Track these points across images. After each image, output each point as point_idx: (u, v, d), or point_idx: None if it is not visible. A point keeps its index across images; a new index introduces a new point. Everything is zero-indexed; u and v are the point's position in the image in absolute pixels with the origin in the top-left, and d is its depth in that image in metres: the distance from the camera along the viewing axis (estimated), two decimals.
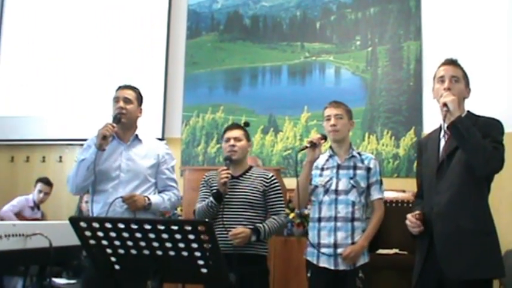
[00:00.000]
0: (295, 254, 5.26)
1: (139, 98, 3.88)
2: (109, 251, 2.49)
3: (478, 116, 3.12)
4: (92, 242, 2.48)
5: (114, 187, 3.68)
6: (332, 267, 3.64)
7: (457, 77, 3.13)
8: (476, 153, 2.90)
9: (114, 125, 3.65)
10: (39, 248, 3.02)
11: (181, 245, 2.36)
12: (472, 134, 2.90)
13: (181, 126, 7.16)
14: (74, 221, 2.47)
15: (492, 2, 6.31)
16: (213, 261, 2.41)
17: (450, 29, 6.35)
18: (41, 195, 6.61)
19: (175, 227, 2.34)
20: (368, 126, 6.50)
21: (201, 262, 2.41)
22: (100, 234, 2.44)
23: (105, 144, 3.59)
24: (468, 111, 3.15)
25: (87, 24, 7.56)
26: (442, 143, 3.15)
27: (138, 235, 2.39)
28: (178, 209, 5.74)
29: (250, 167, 3.95)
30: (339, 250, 3.63)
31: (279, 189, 3.88)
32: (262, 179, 3.84)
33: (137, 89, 3.90)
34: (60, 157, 7.52)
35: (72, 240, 2.62)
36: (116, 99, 3.78)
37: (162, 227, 2.35)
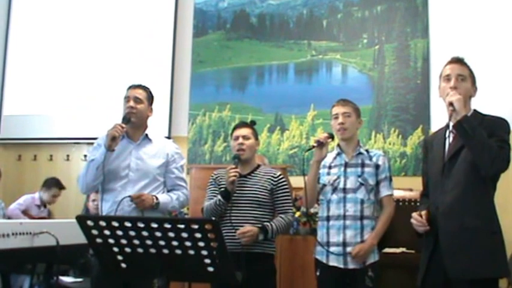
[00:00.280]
0: (301, 253, 5.26)
1: (150, 98, 3.89)
2: (116, 249, 2.50)
3: (485, 115, 3.11)
4: (98, 240, 2.49)
5: (123, 186, 3.70)
6: (341, 266, 3.63)
7: (463, 75, 3.12)
8: (482, 152, 2.89)
9: (123, 125, 3.66)
10: (46, 246, 3.01)
11: (188, 243, 2.37)
12: (478, 133, 2.89)
13: (187, 124, 7.15)
14: (80, 220, 2.47)
15: None
16: (220, 260, 2.41)
17: (457, 27, 6.31)
18: (54, 199, 6.64)
19: (182, 226, 2.34)
20: (375, 124, 6.48)
21: (207, 261, 2.42)
22: (107, 232, 2.45)
23: (115, 145, 3.61)
24: (474, 110, 3.14)
25: (94, 23, 7.57)
26: (448, 141, 3.14)
27: (145, 234, 2.39)
28: (185, 207, 5.74)
29: (258, 166, 3.95)
30: (348, 249, 3.62)
31: (287, 188, 3.88)
32: (270, 177, 3.84)
33: (148, 88, 3.91)
34: (68, 156, 7.53)
35: (79, 238, 2.63)
36: (127, 99, 3.80)
37: (169, 226, 2.35)
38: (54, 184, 6.61)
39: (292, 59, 6.98)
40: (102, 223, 2.43)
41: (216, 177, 3.93)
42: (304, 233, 5.41)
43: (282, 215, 3.80)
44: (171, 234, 2.36)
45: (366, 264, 3.62)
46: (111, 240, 2.47)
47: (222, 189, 3.75)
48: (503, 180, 3.08)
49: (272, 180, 3.83)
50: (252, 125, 4.01)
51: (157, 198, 3.67)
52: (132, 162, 3.75)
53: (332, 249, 3.67)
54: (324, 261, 3.70)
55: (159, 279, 2.48)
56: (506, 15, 6.19)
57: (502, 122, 3.06)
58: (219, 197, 3.72)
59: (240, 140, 3.84)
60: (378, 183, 3.76)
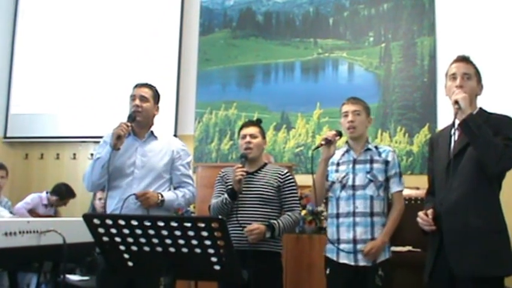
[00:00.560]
0: (306, 252, 5.26)
1: (156, 96, 3.90)
2: (122, 247, 2.51)
3: (490, 113, 3.11)
4: (105, 238, 2.50)
5: (129, 183, 3.71)
6: (352, 263, 3.62)
7: (468, 74, 3.12)
8: (487, 150, 2.88)
9: (129, 124, 3.67)
10: (53, 244, 3.02)
11: (195, 242, 2.37)
12: (483, 131, 2.89)
13: (194, 123, 7.15)
14: (87, 218, 2.48)
15: None
16: (227, 258, 2.41)
17: (464, 24, 6.29)
18: (65, 205, 6.66)
19: (188, 224, 2.34)
20: (381, 123, 6.47)
21: (214, 259, 2.42)
22: (113, 231, 2.46)
23: (120, 144, 3.61)
24: (480, 108, 3.14)
25: (100, 22, 7.59)
26: (454, 139, 3.14)
27: (151, 232, 2.40)
28: (191, 205, 5.74)
29: (265, 164, 3.95)
30: (359, 246, 3.61)
31: (294, 186, 3.88)
32: (277, 175, 3.85)
33: (154, 87, 3.92)
34: (74, 154, 7.55)
35: (86, 237, 2.64)
36: (133, 97, 3.81)
37: (175, 224, 2.35)
38: (68, 195, 6.59)
39: (299, 57, 6.98)
40: (109, 221, 2.44)
41: (224, 175, 3.94)
42: (310, 231, 5.40)
43: (289, 213, 3.80)
44: (178, 233, 2.36)
45: (376, 261, 3.61)
46: (117, 239, 2.48)
47: (229, 187, 3.76)
48: (508, 178, 3.07)
49: (279, 177, 3.83)
50: (258, 123, 4.02)
51: (162, 196, 3.67)
52: (138, 159, 3.75)
53: (342, 246, 3.65)
54: (335, 258, 3.69)
55: (165, 277, 2.49)
56: None
57: (508, 120, 3.05)
58: (226, 195, 3.73)
59: (248, 138, 3.85)
60: (387, 179, 3.75)
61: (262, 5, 7.25)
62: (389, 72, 6.59)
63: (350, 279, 3.63)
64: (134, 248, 2.48)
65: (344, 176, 3.75)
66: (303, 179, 4.68)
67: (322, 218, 5.29)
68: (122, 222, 2.42)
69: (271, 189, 3.79)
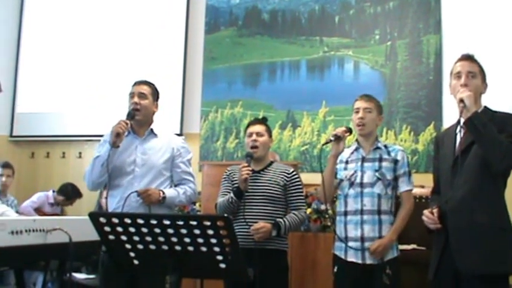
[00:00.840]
0: (312, 250, 5.26)
1: (155, 93, 3.89)
2: (128, 246, 2.51)
3: (495, 111, 3.11)
4: (111, 237, 2.50)
5: (130, 182, 3.70)
6: (360, 261, 3.61)
7: (473, 72, 3.12)
8: (492, 148, 2.89)
9: (128, 121, 3.67)
10: (59, 243, 3.03)
11: (200, 240, 2.37)
12: (488, 129, 2.89)
13: (199, 121, 7.16)
14: (93, 217, 2.49)
15: None
16: (232, 257, 2.41)
17: (470, 23, 6.28)
18: (71, 205, 6.69)
19: (194, 222, 2.35)
20: (387, 121, 6.44)
21: (219, 257, 2.42)
22: (119, 229, 2.46)
23: (119, 142, 3.61)
24: (485, 107, 3.14)
25: (106, 21, 7.60)
26: (459, 138, 3.14)
27: (157, 230, 2.40)
28: (197, 204, 5.75)
29: (272, 162, 3.96)
30: (367, 244, 3.60)
31: (300, 184, 3.88)
32: (283, 173, 3.85)
33: (153, 84, 3.91)
34: (80, 153, 7.57)
35: (92, 235, 2.64)
36: (131, 95, 3.81)
37: (181, 223, 2.36)
38: (74, 195, 6.62)
39: (304, 55, 6.97)
40: (115, 220, 2.44)
41: (230, 173, 3.94)
42: (315, 230, 5.40)
43: (295, 211, 3.80)
44: (184, 231, 2.37)
45: (384, 260, 3.60)
46: (123, 237, 2.48)
47: (235, 185, 3.76)
48: None
49: (285, 176, 3.83)
50: (265, 121, 4.02)
51: (163, 193, 3.67)
52: (138, 157, 3.74)
53: (350, 244, 3.65)
54: (343, 256, 3.68)
55: (171, 276, 2.49)
56: None
57: None
58: (232, 194, 3.73)
59: (254, 136, 3.85)
60: (396, 178, 3.74)
61: (268, 3, 7.25)
62: (395, 71, 6.58)
63: (358, 277, 3.62)
64: (140, 246, 2.49)
65: (352, 174, 3.75)
66: (309, 178, 4.69)
67: (327, 216, 5.28)
68: (128, 220, 2.42)
69: (278, 188, 3.79)
